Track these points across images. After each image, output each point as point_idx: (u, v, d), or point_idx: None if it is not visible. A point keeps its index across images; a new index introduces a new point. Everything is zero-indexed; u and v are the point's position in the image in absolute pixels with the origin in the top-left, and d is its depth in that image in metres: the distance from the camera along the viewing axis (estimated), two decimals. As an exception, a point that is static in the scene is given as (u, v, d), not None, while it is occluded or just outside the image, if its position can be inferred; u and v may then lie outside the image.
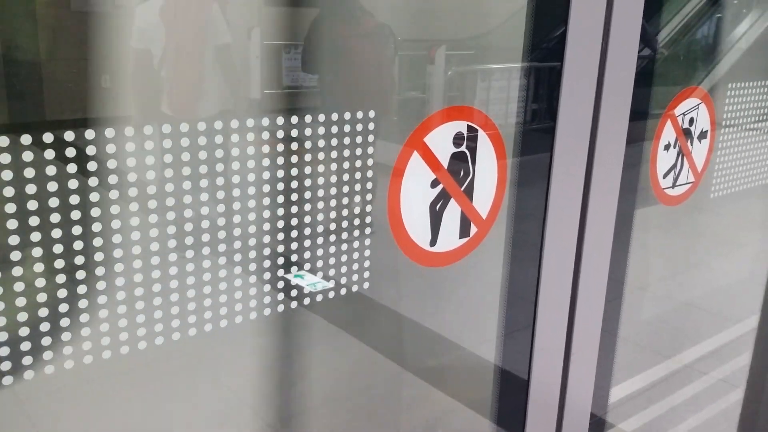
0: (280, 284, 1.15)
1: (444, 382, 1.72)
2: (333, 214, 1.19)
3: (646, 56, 1.86)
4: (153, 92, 1.08)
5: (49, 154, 0.87)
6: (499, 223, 1.42)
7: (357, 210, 1.22)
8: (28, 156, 0.86)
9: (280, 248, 1.13)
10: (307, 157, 1.13)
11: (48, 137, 0.86)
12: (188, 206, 1.00)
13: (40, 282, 0.90)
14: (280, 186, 1.11)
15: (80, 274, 0.93)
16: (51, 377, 0.94)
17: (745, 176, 2.06)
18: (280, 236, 1.13)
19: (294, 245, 1.15)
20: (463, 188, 1.33)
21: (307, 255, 1.17)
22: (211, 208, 1.03)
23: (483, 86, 1.54)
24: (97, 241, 0.93)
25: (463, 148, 1.32)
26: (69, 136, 0.88)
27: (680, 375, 2.46)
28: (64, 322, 0.93)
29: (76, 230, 0.91)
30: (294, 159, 1.11)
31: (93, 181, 0.91)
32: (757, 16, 2.40)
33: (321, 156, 1.14)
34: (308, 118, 1.12)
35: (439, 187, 1.30)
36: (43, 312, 0.91)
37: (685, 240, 2.40)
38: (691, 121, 1.80)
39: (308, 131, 1.12)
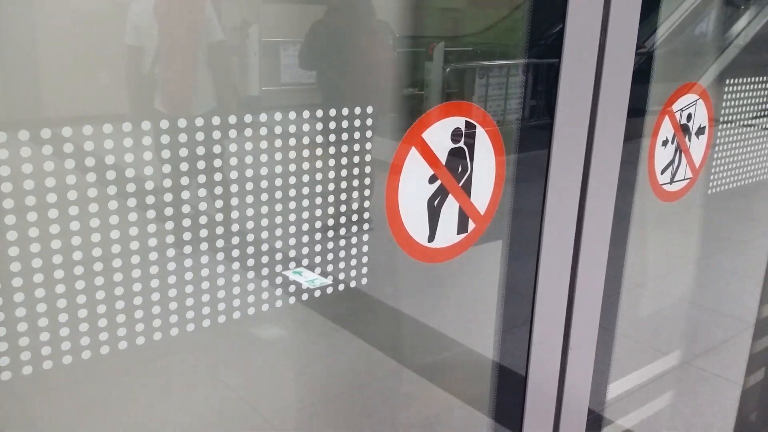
0: (278, 280, 1.15)
1: (442, 378, 1.72)
2: (331, 210, 1.19)
3: (644, 52, 1.86)
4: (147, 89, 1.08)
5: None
6: (497, 219, 1.42)
7: (355, 206, 1.22)
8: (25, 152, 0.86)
9: (278, 244, 1.13)
10: (305, 154, 1.12)
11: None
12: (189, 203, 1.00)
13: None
14: (278, 182, 1.11)
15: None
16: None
17: (743, 172, 2.06)
18: (278, 232, 1.13)
19: (292, 241, 1.15)
20: (461, 184, 1.33)
21: (305, 251, 1.17)
22: (211, 205, 1.03)
23: (481, 83, 1.55)
24: (95, 238, 0.94)
25: (461, 144, 1.32)
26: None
27: (678, 371, 2.47)
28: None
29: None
30: (292, 155, 1.11)
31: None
32: (756, 12, 2.40)
33: (318, 152, 1.14)
34: (306, 114, 1.12)
35: (437, 183, 1.30)
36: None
37: (682, 236, 2.40)
38: (689, 116, 1.80)
39: (306, 127, 1.12)
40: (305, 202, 1.15)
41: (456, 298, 1.65)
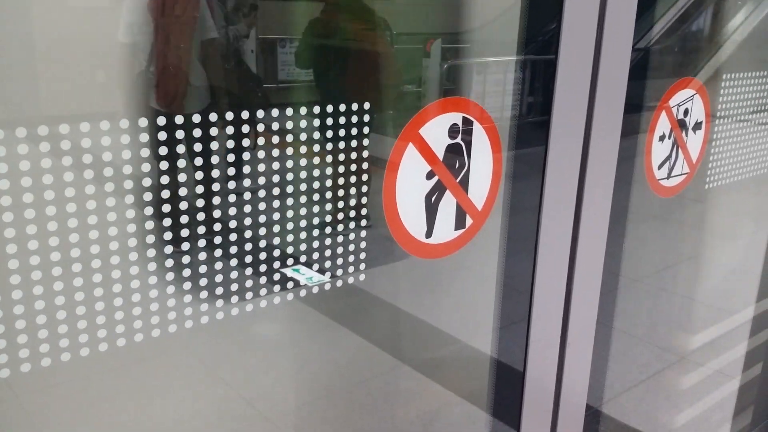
0: (276, 276, 1.15)
1: (440, 374, 1.72)
2: (328, 206, 1.19)
3: (641, 48, 1.87)
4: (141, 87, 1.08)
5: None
6: (494, 215, 1.42)
7: (353, 202, 1.22)
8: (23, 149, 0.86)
9: (275, 240, 1.14)
10: (302, 150, 1.13)
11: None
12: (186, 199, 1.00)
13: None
14: (275, 178, 1.11)
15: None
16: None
17: (740, 167, 2.07)
18: (276, 228, 1.13)
19: (290, 237, 1.15)
20: (458, 180, 1.34)
21: (302, 247, 1.17)
22: (209, 202, 1.03)
23: (478, 79, 1.55)
24: (91, 234, 0.94)
25: (458, 139, 1.32)
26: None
27: (676, 366, 2.47)
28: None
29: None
30: (289, 152, 1.11)
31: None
32: (753, 7, 2.40)
33: (316, 149, 1.14)
34: (302, 111, 1.12)
35: (435, 179, 1.30)
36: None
37: (680, 231, 2.41)
38: (686, 112, 1.80)
39: (303, 124, 1.12)
40: (302, 199, 1.15)
41: (454, 293, 1.65)
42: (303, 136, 1.12)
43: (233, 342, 1.34)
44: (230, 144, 1.03)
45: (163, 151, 0.96)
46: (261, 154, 1.07)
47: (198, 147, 0.99)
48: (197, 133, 0.99)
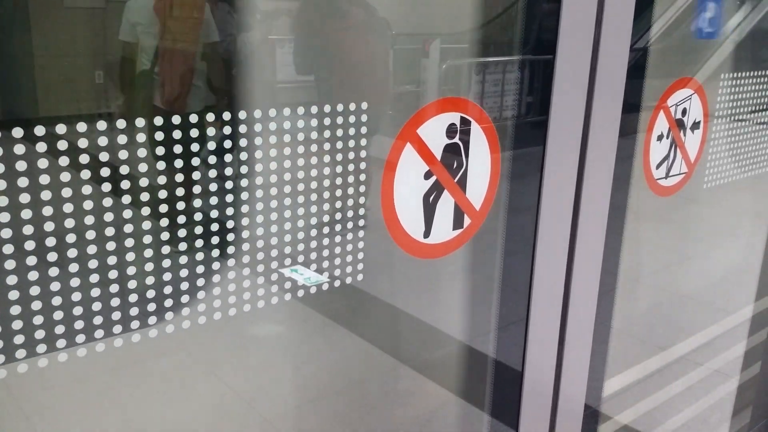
0: (274, 277, 1.15)
1: (438, 374, 1.72)
2: (326, 207, 1.19)
3: (639, 47, 1.87)
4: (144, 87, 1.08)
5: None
6: (492, 215, 1.42)
7: (351, 202, 1.22)
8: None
9: (273, 241, 1.14)
10: (300, 150, 1.13)
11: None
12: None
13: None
14: (274, 178, 1.11)
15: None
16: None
17: (738, 167, 2.07)
18: (274, 229, 1.13)
19: (288, 238, 1.15)
20: (456, 180, 1.34)
21: (301, 248, 1.17)
22: (209, 202, 1.03)
23: (477, 79, 1.55)
24: (89, 233, 0.94)
25: (456, 139, 1.32)
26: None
27: (674, 366, 2.48)
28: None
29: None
30: (287, 152, 1.11)
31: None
32: (751, 7, 2.41)
33: (314, 148, 1.14)
34: (301, 111, 1.12)
35: (433, 179, 1.30)
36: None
37: (678, 230, 2.41)
38: (684, 111, 1.81)
39: (301, 123, 1.12)
40: (300, 199, 1.15)
41: (452, 293, 1.65)
42: (300, 136, 1.12)
43: (230, 341, 1.34)
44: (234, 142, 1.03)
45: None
46: (259, 153, 1.07)
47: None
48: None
